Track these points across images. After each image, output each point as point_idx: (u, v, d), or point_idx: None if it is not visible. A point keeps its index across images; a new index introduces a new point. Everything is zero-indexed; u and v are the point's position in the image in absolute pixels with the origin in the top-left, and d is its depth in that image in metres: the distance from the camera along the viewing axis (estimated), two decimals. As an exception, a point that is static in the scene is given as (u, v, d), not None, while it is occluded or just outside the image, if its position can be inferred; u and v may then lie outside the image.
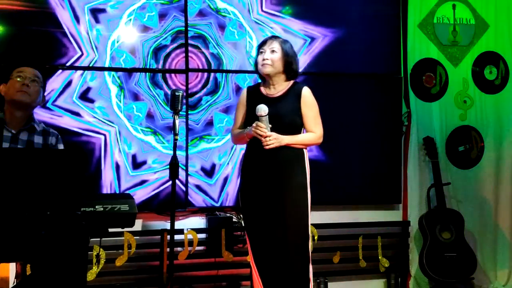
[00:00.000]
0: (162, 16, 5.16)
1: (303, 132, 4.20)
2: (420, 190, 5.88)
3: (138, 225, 5.08)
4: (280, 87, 4.17)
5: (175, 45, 5.20)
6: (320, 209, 5.55)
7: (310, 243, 4.12)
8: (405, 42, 5.87)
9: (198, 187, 5.22)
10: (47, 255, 3.19)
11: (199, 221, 5.33)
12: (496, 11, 6.08)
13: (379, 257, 5.66)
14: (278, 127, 4.04)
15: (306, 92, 4.16)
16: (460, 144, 5.99)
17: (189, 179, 5.19)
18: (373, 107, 5.70)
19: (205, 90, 5.26)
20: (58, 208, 3.03)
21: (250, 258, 4.14)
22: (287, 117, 4.09)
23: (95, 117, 4.99)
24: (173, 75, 5.18)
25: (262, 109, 3.97)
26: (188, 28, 5.21)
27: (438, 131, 5.95)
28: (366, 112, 5.68)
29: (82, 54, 4.98)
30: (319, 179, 5.39)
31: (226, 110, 5.29)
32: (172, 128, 4.41)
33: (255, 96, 4.20)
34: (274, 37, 4.24)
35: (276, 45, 4.13)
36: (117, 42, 5.06)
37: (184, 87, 5.17)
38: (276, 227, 4.01)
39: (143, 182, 5.10)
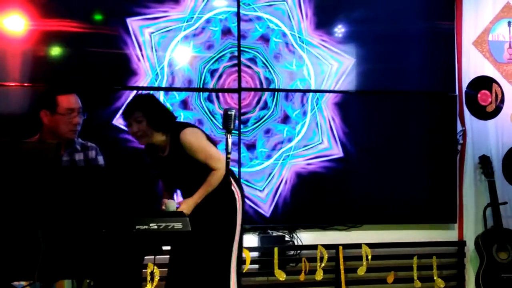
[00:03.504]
0: (217, 35, 5.23)
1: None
2: (476, 209, 5.78)
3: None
4: (163, 143, 4.00)
5: (229, 63, 5.26)
6: (374, 228, 5.54)
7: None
8: (460, 60, 5.81)
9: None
10: (103, 273, 3.25)
11: (251, 240, 5.33)
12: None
13: (435, 278, 5.58)
14: (183, 185, 4.04)
15: (184, 139, 3.93)
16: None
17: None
18: (427, 125, 5.67)
19: (257, 109, 5.30)
20: (113, 226, 3.08)
21: None
22: (184, 175, 4.02)
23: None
24: (226, 94, 5.23)
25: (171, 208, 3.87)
26: (242, 48, 5.27)
27: (494, 150, 5.85)
28: (420, 130, 5.65)
29: (141, 74, 5.07)
30: (373, 198, 5.44)
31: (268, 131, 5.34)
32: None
33: (154, 156, 4.09)
34: (133, 106, 3.98)
35: (138, 114, 3.92)
36: (173, 62, 5.14)
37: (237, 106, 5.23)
38: None
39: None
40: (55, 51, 4.96)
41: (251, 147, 5.29)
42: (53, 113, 3.87)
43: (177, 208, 3.86)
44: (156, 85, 5.10)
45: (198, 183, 3.95)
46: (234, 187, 4.04)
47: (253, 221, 5.26)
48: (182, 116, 5.11)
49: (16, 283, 3.33)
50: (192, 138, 3.95)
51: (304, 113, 5.37)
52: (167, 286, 4.15)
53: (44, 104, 3.92)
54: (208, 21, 5.21)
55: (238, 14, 5.26)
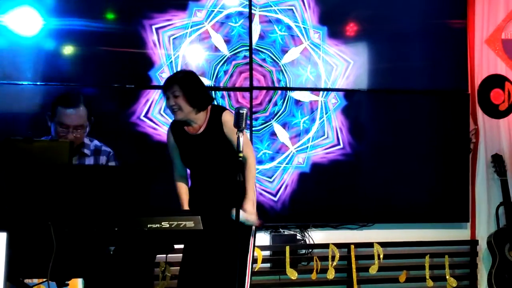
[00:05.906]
0: (229, 35, 5.24)
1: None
2: (489, 208, 5.76)
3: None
4: (199, 121, 4.02)
5: (241, 61, 5.26)
6: (386, 227, 5.53)
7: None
8: (472, 58, 5.78)
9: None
10: (114, 271, 3.26)
11: (263, 238, 5.33)
12: None
13: (447, 277, 5.56)
14: (211, 164, 4.00)
15: (226, 118, 3.99)
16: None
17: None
18: (439, 123, 5.65)
19: (270, 108, 5.30)
20: (125, 225, 3.09)
21: None
22: (218, 155, 4.01)
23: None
24: (238, 92, 5.24)
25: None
26: (257, 48, 5.28)
27: (507, 148, 5.82)
28: (432, 128, 5.63)
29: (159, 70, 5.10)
30: (385, 197, 5.43)
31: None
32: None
33: (180, 134, 4.08)
34: (172, 80, 3.99)
35: (176, 88, 3.93)
36: (185, 60, 5.15)
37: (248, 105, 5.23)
38: None
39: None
40: (69, 49, 4.98)
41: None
42: (52, 121, 3.87)
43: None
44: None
45: (226, 166, 3.98)
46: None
47: (265, 219, 5.25)
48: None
49: (28, 281, 3.35)
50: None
51: (313, 120, 5.36)
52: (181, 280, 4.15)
53: (49, 108, 3.92)
54: (227, 17, 5.23)
55: (250, 14, 5.25)
